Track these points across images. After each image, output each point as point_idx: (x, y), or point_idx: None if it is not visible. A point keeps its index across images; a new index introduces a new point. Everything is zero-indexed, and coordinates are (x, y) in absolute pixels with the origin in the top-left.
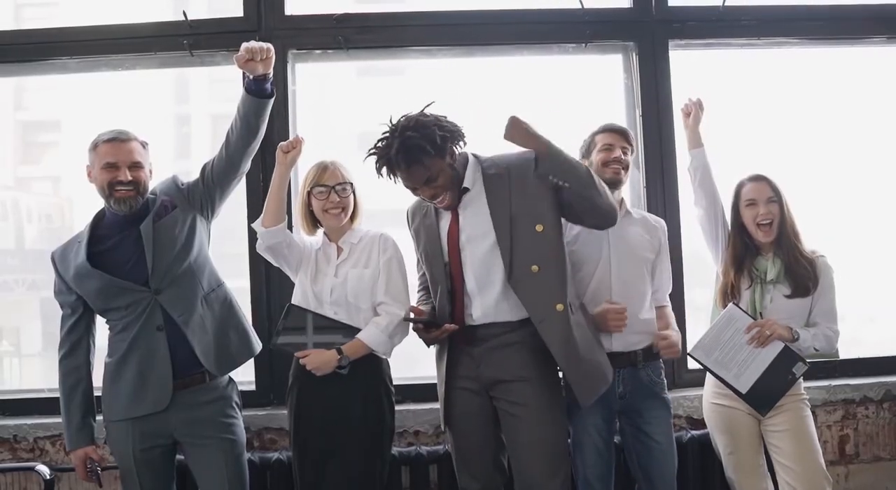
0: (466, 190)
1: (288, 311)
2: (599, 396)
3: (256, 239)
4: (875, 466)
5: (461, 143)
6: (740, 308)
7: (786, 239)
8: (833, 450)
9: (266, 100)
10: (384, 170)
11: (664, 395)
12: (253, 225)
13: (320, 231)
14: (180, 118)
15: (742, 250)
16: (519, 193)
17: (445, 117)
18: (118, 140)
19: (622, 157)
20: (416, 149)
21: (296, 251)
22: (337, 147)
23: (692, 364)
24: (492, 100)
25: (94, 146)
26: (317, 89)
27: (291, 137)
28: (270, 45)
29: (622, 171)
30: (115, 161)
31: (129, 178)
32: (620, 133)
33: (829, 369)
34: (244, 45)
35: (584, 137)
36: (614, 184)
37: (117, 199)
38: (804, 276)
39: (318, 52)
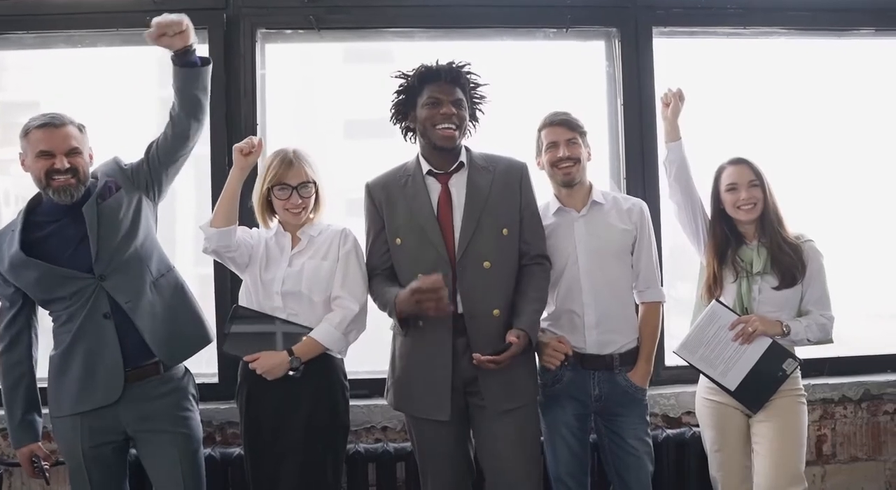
0: (462, 164)
1: (234, 314)
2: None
3: None
4: (852, 467)
5: (476, 122)
6: (724, 304)
7: (769, 224)
8: (810, 450)
9: (196, 69)
10: (415, 77)
11: (642, 398)
12: (200, 226)
13: (275, 220)
14: (164, 101)
15: (724, 240)
16: (498, 194)
17: None
18: (51, 125)
19: (568, 153)
20: (464, 74)
21: (243, 252)
22: (322, 133)
23: (669, 361)
24: None
25: (26, 133)
26: (301, 74)
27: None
28: (183, 16)
29: (573, 170)
30: (50, 148)
31: (67, 165)
32: (562, 125)
33: (808, 368)
34: (154, 21)
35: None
36: (569, 184)
37: (55, 189)
38: (790, 264)
39: (288, 32)
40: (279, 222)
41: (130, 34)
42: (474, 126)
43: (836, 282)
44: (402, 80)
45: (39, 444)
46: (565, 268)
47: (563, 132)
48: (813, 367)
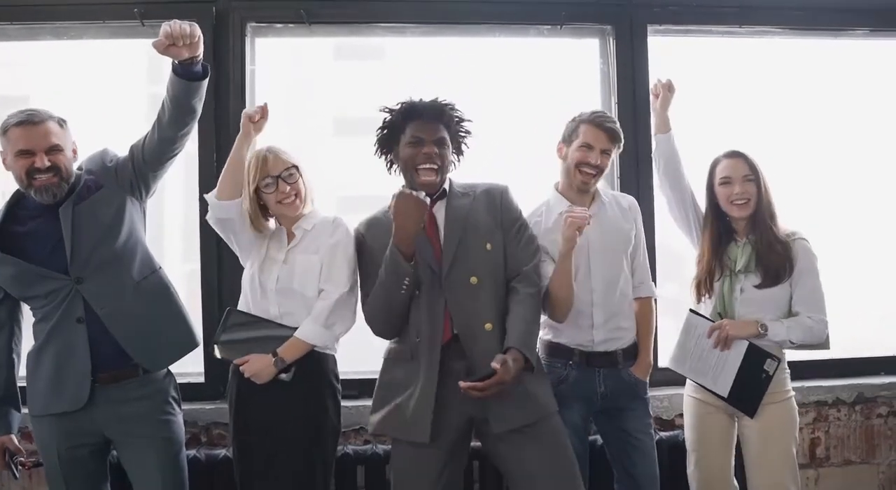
0: (445, 191)
1: (227, 317)
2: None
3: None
4: (845, 470)
5: (461, 155)
6: (697, 313)
7: (760, 220)
8: (804, 453)
9: (197, 82)
10: (399, 114)
11: (645, 396)
12: (206, 195)
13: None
14: (153, 97)
15: (717, 237)
16: (477, 212)
17: None
18: (30, 123)
19: (599, 163)
20: (448, 111)
21: (249, 230)
22: (311, 130)
23: (662, 362)
24: (471, 83)
25: (4, 131)
26: (291, 70)
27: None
28: (195, 26)
29: (591, 180)
30: (29, 147)
31: (47, 163)
32: (608, 132)
33: (801, 370)
34: (163, 29)
35: (574, 116)
36: (584, 191)
37: (37, 188)
38: (776, 261)
39: (278, 26)
40: (276, 221)
41: (118, 27)
42: (458, 159)
43: (829, 283)
44: (387, 115)
45: (12, 436)
46: (577, 268)
47: (604, 141)
48: (807, 370)
